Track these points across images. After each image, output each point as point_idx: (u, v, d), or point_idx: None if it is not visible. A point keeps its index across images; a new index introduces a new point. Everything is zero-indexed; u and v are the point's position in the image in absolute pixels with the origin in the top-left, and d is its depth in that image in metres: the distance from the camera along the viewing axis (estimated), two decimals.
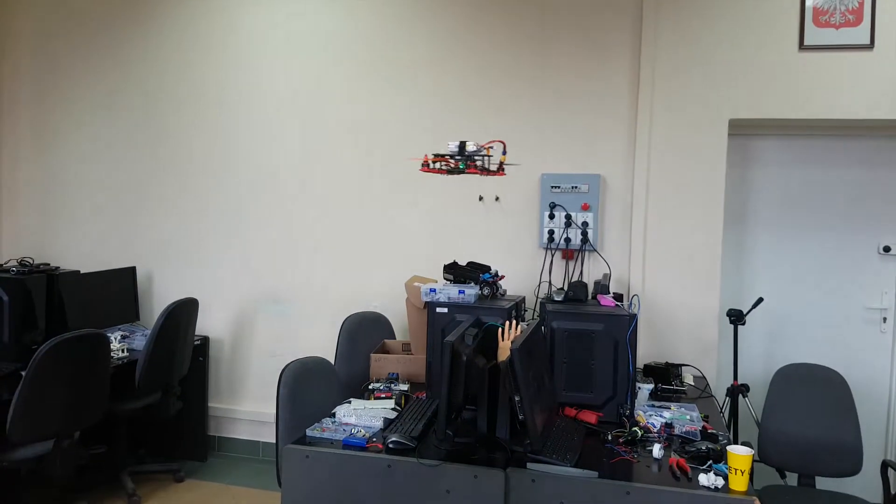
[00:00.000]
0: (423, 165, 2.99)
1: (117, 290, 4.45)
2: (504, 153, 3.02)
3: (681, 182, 3.81)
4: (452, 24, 4.10)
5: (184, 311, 4.02)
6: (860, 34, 3.58)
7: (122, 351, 3.93)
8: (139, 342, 4.10)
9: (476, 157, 2.94)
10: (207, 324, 4.56)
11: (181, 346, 4.05)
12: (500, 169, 2.99)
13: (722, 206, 3.77)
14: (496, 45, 4.04)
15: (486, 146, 2.95)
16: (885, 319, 3.85)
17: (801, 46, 3.63)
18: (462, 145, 2.93)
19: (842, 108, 3.60)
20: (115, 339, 3.98)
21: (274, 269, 4.46)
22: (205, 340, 4.52)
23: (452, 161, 2.95)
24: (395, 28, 4.19)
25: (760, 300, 3.50)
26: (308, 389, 2.85)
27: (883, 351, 3.86)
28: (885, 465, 3.04)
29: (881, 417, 3.88)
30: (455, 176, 4.06)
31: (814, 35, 3.61)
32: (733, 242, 4.00)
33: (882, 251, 3.84)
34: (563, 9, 3.94)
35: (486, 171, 2.97)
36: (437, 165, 2.98)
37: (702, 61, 3.75)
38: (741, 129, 3.89)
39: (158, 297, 4.66)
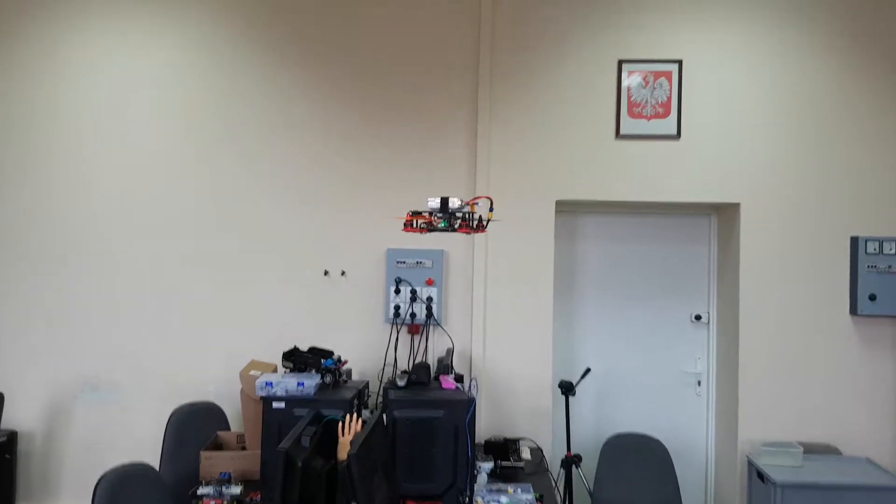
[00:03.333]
0: (405, 225, 2.76)
1: None
2: (491, 209, 2.74)
3: (516, 258, 3.98)
4: (296, 107, 4.06)
5: None
6: (668, 125, 3.97)
7: None
8: None
9: (459, 214, 2.72)
10: (15, 416, 4.05)
11: None
12: (482, 226, 2.77)
13: (552, 279, 3.98)
14: (345, 134, 4.05)
15: (472, 202, 2.75)
16: (699, 383, 4.22)
17: (618, 135, 3.96)
18: (444, 201, 2.72)
19: (653, 192, 3.95)
20: None
21: (93, 353, 4.07)
22: (12, 436, 4.01)
23: (431, 218, 2.71)
24: (237, 105, 4.07)
25: (588, 371, 3.70)
26: (127, 501, 2.60)
27: (699, 412, 4.22)
28: None
29: (700, 477, 4.22)
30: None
31: (628, 125, 3.96)
32: (564, 313, 4.23)
33: (694, 319, 4.23)
34: (405, 105, 4.04)
35: (470, 228, 2.75)
36: (416, 224, 2.72)
37: (531, 150, 3.99)
38: (568, 207, 4.16)
39: None
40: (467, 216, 2.75)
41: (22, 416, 4.08)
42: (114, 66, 4.10)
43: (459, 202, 2.73)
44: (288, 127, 4.06)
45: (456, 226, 2.75)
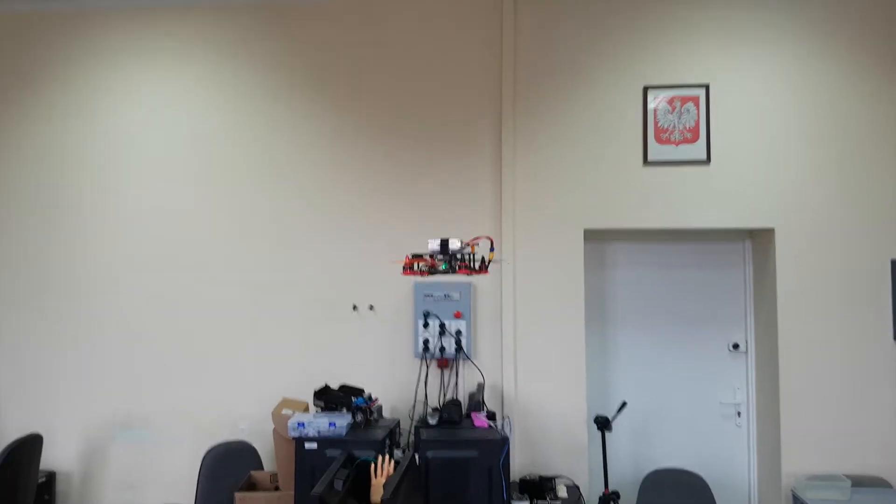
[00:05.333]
0: (405, 269, 2.75)
1: None
2: (492, 249, 2.78)
3: (545, 288, 3.93)
4: (321, 143, 4.10)
5: (25, 450, 3.61)
6: (697, 150, 3.91)
7: None
8: None
9: (460, 256, 2.71)
10: (54, 457, 4.11)
11: (21, 490, 3.61)
12: (484, 267, 2.77)
13: (583, 309, 3.92)
14: (371, 169, 4.07)
15: (472, 243, 2.75)
16: (739, 414, 4.09)
17: (646, 162, 3.91)
18: (444, 243, 2.72)
19: (684, 219, 3.88)
20: None
21: (128, 394, 4.12)
22: (51, 476, 4.07)
23: (432, 260, 2.72)
24: (269, 143, 4.13)
25: (624, 405, 3.60)
26: None
27: (739, 444, 4.09)
28: None
29: None
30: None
31: (656, 151, 3.91)
32: (596, 344, 4.15)
33: (731, 348, 4.12)
34: (430, 140, 4.05)
35: (470, 269, 2.74)
36: (418, 267, 2.74)
37: (557, 180, 3.96)
38: (597, 236, 4.11)
39: None
40: (467, 257, 2.73)
41: (60, 457, 4.14)
42: (144, 103, 4.20)
43: (459, 243, 2.72)
44: (314, 164, 4.10)
45: (456, 267, 2.73)
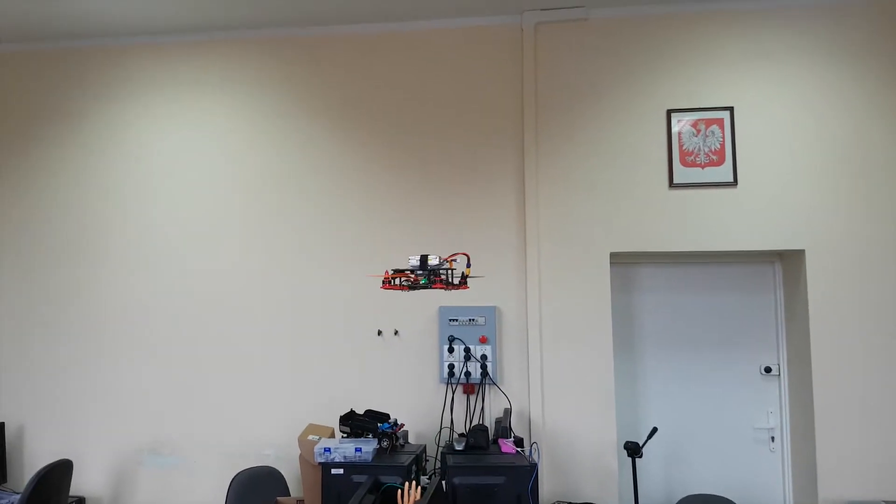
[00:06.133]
0: (384, 283, 2.89)
1: None
2: (468, 265, 2.92)
3: (571, 312, 3.90)
4: (354, 169, 4.16)
5: (56, 475, 3.64)
6: (723, 173, 3.88)
7: None
8: None
9: (440, 271, 2.87)
10: (83, 482, 4.15)
11: None
12: (464, 282, 2.93)
13: (610, 333, 3.87)
14: (395, 195, 4.09)
15: (450, 259, 2.89)
16: (773, 439, 3.99)
17: (671, 185, 3.89)
18: (424, 259, 2.83)
19: (711, 241, 3.85)
20: None
21: (156, 420, 4.16)
22: (80, 502, 4.10)
23: (413, 276, 2.87)
24: (296, 171, 4.20)
25: (655, 430, 3.55)
26: None
27: (774, 470, 3.98)
28: None
29: None
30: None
31: (682, 174, 3.89)
32: (625, 369, 4.09)
33: (763, 372, 4.03)
34: (453, 166, 4.06)
35: (450, 284, 2.90)
36: (398, 281, 2.89)
37: (581, 203, 3.95)
38: (623, 259, 4.08)
39: (30, 454, 4.24)
40: (444, 273, 2.85)
41: (90, 482, 4.18)
42: (171, 137, 4.31)
43: (438, 259, 2.81)
44: (341, 192, 4.14)
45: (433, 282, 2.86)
